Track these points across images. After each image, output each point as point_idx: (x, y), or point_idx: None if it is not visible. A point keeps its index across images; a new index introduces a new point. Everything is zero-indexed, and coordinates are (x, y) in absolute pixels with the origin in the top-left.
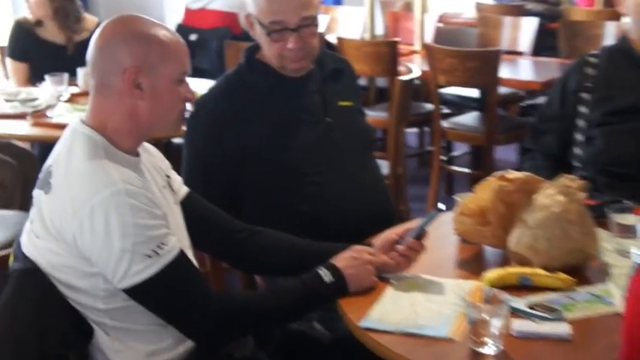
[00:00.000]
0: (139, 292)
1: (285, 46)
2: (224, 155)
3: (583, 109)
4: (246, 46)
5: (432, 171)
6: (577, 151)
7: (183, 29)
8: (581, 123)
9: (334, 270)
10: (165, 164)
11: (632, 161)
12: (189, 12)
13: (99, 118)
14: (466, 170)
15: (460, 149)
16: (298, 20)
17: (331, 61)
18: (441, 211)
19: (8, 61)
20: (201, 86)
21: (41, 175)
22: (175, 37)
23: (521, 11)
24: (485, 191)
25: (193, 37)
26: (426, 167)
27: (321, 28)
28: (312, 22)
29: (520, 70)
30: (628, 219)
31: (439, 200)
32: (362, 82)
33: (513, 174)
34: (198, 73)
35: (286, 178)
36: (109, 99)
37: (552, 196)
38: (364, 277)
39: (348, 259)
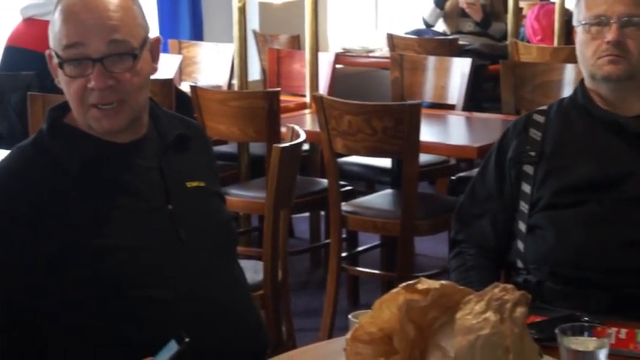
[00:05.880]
0: None
1: (86, 86)
2: (15, 265)
3: (525, 187)
4: (54, 103)
5: (329, 273)
6: (519, 245)
7: None
8: (523, 206)
9: None
10: None
11: (592, 260)
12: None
13: None
14: (376, 272)
15: (368, 242)
16: (104, 47)
17: (175, 124)
18: (182, 341)
19: None
20: None
21: None
22: None
23: (452, 48)
24: (389, 308)
25: None
26: (321, 268)
27: (170, 73)
28: (128, 50)
29: (450, 131)
30: (585, 343)
31: (339, 315)
32: (229, 149)
33: (426, 283)
34: None
35: (107, 294)
36: None
37: (480, 313)
38: None
39: None
